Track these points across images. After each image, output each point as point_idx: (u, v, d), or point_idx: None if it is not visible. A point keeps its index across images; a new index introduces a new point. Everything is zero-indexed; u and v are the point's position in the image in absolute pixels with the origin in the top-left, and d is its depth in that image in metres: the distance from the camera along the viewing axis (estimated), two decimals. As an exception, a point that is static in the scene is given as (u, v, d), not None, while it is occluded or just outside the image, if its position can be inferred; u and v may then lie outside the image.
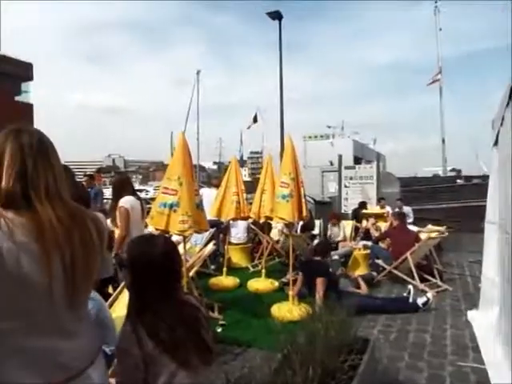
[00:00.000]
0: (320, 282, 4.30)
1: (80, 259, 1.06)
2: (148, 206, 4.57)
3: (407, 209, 9.27)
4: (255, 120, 20.87)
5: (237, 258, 7.04)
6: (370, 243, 6.77)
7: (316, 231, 8.06)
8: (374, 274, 5.86)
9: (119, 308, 3.19)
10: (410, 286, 4.87)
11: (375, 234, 7.24)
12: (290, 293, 4.51)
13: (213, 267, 6.44)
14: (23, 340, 0.99)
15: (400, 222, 6.30)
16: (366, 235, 7.48)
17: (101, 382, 1.14)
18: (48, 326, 1.03)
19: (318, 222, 8.32)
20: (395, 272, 5.70)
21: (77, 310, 1.10)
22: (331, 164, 17.12)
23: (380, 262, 6.00)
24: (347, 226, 7.92)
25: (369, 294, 5.02)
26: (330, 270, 4.91)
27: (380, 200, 9.70)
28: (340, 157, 12.59)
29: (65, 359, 1.05)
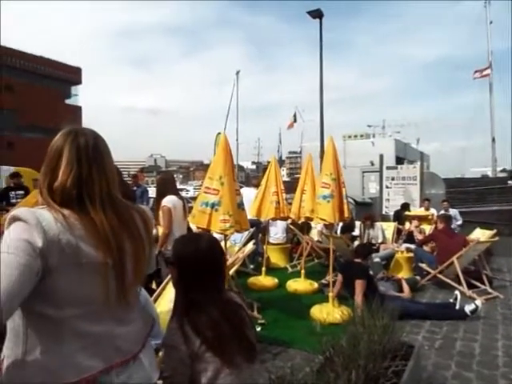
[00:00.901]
0: (360, 285, 4.22)
1: (129, 256, 1.12)
2: (189, 204, 4.69)
3: (454, 211, 8.87)
4: (294, 120, 20.79)
5: (275, 258, 7.05)
6: (413, 246, 6.55)
7: (356, 232, 7.89)
8: (418, 278, 5.66)
9: (163, 303, 3.30)
10: (457, 292, 4.66)
11: (419, 236, 6.99)
12: (330, 294, 4.46)
13: (252, 266, 6.49)
14: (83, 326, 1.05)
15: (446, 224, 6.04)
16: (409, 238, 7.24)
17: (150, 366, 1.20)
18: (104, 313, 1.09)
19: (358, 224, 8.15)
20: (440, 277, 5.47)
21: (129, 299, 1.15)
22: (372, 164, 16.71)
23: (424, 265, 5.79)
24: (389, 227, 7.70)
25: (412, 298, 4.86)
26: (371, 272, 4.80)
27: (424, 201, 9.34)
28: (381, 157, 12.26)
29: (121, 343, 1.12)
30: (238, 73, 19.13)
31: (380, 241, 6.95)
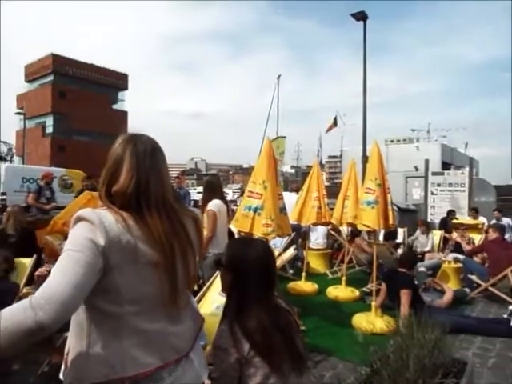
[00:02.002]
0: (405, 295, 4.06)
1: (180, 258, 1.15)
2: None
3: (507, 220, 8.38)
4: (335, 123, 20.46)
5: (315, 263, 6.96)
6: (461, 256, 6.24)
7: (399, 240, 7.65)
8: (467, 290, 5.37)
9: (206, 305, 3.34)
10: (511, 307, 4.38)
11: (467, 247, 6.65)
12: (373, 303, 4.34)
13: (291, 271, 6.45)
14: (140, 322, 1.09)
15: (499, 234, 5.71)
16: (457, 247, 6.90)
17: (199, 365, 1.23)
18: (159, 311, 1.13)
19: (401, 231, 7.89)
20: (492, 290, 5.17)
21: (181, 299, 1.19)
22: (416, 169, 16.12)
23: (474, 277, 5.49)
24: (435, 236, 7.40)
25: (460, 311, 4.63)
26: (416, 282, 4.62)
27: (472, 210, 8.89)
28: (427, 162, 11.82)
29: (175, 342, 1.16)
30: (279, 77, 19.09)
31: (427, 249, 6.68)
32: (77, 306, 1.00)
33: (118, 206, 1.13)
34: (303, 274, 5.80)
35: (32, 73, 46.53)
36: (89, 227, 1.04)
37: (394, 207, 8.40)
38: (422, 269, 5.51)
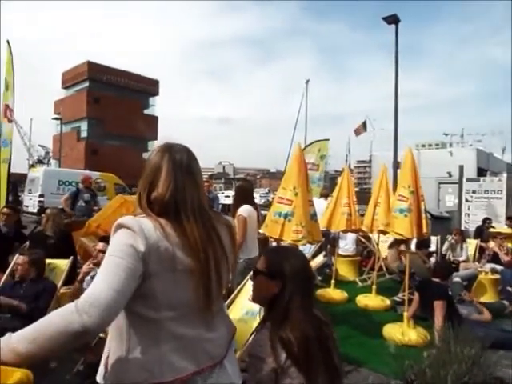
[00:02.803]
0: (439, 306, 3.92)
1: (214, 265, 1.16)
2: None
3: (548, 230, 7.95)
4: (364, 128, 20.17)
5: (344, 270, 6.85)
6: (499, 267, 5.97)
7: (432, 248, 7.40)
8: (506, 303, 5.13)
9: (235, 311, 3.35)
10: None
11: (505, 257, 6.35)
12: (405, 314, 4.21)
13: (320, 278, 6.37)
14: (177, 328, 1.11)
15: (540, 245, 5.43)
16: (494, 257, 6.61)
17: (233, 373, 1.23)
18: (195, 317, 1.15)
19: (434, 239, 7.64)
20: (533, 303, 4.92)
21: (215, 305, 1.20)
22: (450, 175, 15.61)
23: (513, 289, 5.25)
24: (470, 245, 7.13)
25: (498, 325, 4.42)
26: (450, 293, 4.46)
27: (509, 218, 8.51)
28: (461, 167, 11.41)
29: (210, 348, 1.17)
30: (307, 82, 19.06)
31: (462, 259, 6.44)
32: (119, 310, 1.04)
33: (156, 212, 1.15)
34: (332, 281, 5.72)
35: (68, 79, 48.49)
36: (129, 234, 1.07)
37: (427, 215, 8.17)
38: (457, 279, 5.31)
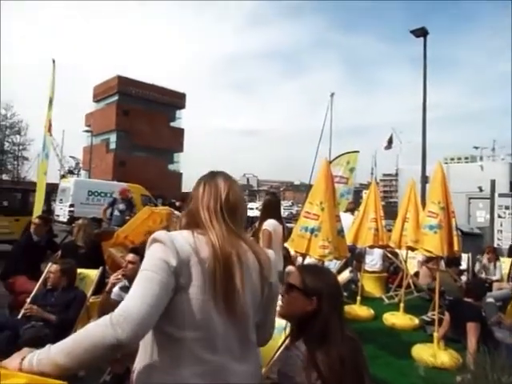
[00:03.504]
0: (472, 328, 3.77)
1: (242, 290, 1.15)
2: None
3: None
4: (391, 141, 19.86)
5: (370, 286, 6.70)
6: (535, 287, 5.70)
7: (463, 266, 7.15)
8: (544, 326, 4.87)
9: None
10: None
11: (541, 277, 6.07)
12: (435, 334, 4.07)
13: (345, 294, 6.25)
14: (200, 351, 1.09)
15: None
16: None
17: None
18: (220, 342, 1.12)
19: (465, 256, 7.38)
20: None
21: (244, 335, 1.18)
22: (480, 190, 15.13)
23: (552, 312, 4.97)
24: (503, 263, 6.84)
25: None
26: (484, 314, 4.28)
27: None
28: (493, 182, 11.03)
29: (235, 381, 1.13)
30: (332, 95, 19.01)
31: (496, 278, 6.18)
32: (152, 324, 1.05)
33: (193, 227, 1.20)
34: (358, 297, 5.60)
35: (99, 93, 50.27)
36: (162, 248, 1.10)
37: (458, 231, 7.92)
38: (491, 300, 5.09)
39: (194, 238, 1.15)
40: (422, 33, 10.46)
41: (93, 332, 1.00)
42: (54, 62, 6.41)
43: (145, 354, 1.13)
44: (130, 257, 3.08)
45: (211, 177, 1.30)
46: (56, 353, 1.00)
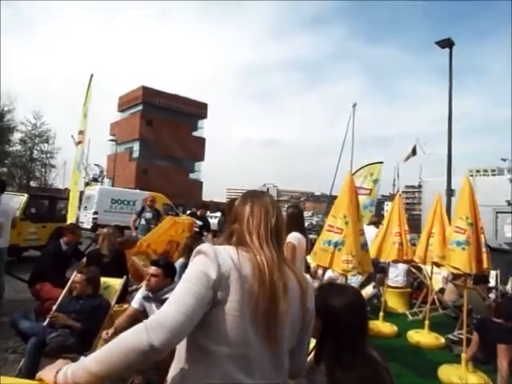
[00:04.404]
0: (503, 350, 3.60)
1: (282, 311, 1.13)
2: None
3: None
4: (414, 152, 19.45)
5: (393, 302, 6.53)
6: None
7: (491, 283, 6.89)
8: None
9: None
10: None
11: None
12: (463, 355, 3.92)
13: (367, 309, 6.12)
14: (233, 370, 1.08)
15: None
16: None
17: None
18: (255, 365, 1.11)
19: (493, 273, 7.12)
20: None
21: (278, 359, 1.16)
22: (509, 204, 14.65)
23: None
24: (534, 281, 6.57)
25: None
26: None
27: None
28: (522, 197, 10.68)
29: None
30: (354, 105, 18.82)
31: (525, 297, 5.93)
32: (186, 333, 1.06)
33: (236, 243, 1.22)
34: (381, 313, 5.47)
35: (124, 103, 51.62)
36: (204, 260, 1.12)
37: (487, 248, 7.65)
38: (522, 320, 4.88)
39: (237, 254, 1.16)
40: (447, 44, 10.30)
41: (127, 338, 1.03)
42: (91, 76, 6.60)
43: (179, 364, 1.14)
44: (153, 270, 3.11)
45: (259, 197, 1.30)
46: (90, 362, 1.02)
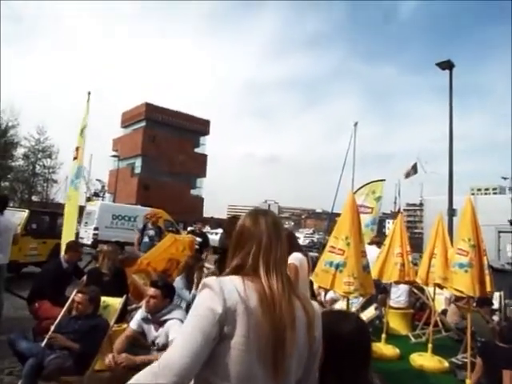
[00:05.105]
0: (508, 376, 3.52)
1: (290, 349, 1.12)
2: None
3: None
4: (415, 170, 19.50)
5: (396, 323, 6.43)
6: None
7: (495, 305, 6.80)
8: None
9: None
10: None
11: None
12: (468, 381, 3.85)
13: (371, 337, 6.03)
14: None
15: None
16: None
17: None
18: None
19: (496, 295, 7.03)
20: None
21: None
22: (511, 223, 14.58)
23: None
24: (538, 304, 6.49)
25: None
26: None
27: None
28: (524, 217, 10.64)
29: None
30: (355, 124, 18.98)
31: (529, 320, 5.84)
32: (193, 373, 1.05)
33: (244, 271, 1.19)
34: (383, 335, 5.38)
35: (127, 119, 52.15)
36: (210, 294, 1.11)
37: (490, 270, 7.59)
38: (527, 344, 4.79)
39: (244, 285, 1.13)
40: (447, 65, 10.44)
41: (141, 379, 1.04)
42: (89, 93, 6.67)
43: None
44: (151, 291, 3.10)
45: (264, 219, 1.27)
46: None
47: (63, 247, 5.70)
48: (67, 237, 6.06)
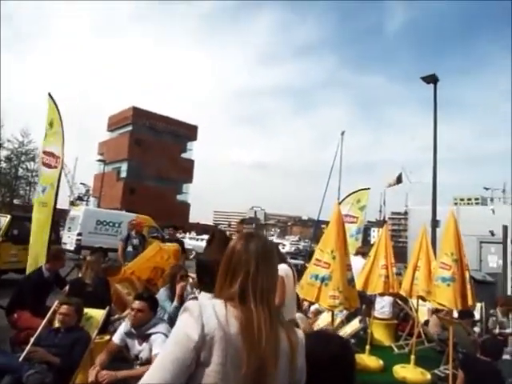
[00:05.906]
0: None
1: (268, 366, 1.10)
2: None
3: None
4: (399, 180, 19.77)
5: (379, 334, 6.47)
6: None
7: (476, 316, 6.90)
8: None
9: None
10: None
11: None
12: (449, 394, 3.89)
13: (353, 341, 6.05)
14: None
15: None
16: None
17: None
18: None
19: (478, 306, 7.13)
20: None
21: None
22: (492, 234, 14.89)
23: None
24: (518, 315, 6.59)
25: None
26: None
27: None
28: (505, 228, 10.84)
29: None
30: (342, 133, 19.22)
31: (510, 331, 5.95)
32: None
33: (229, 297, 1.16)
34: (367, 346, 5.40)
35: (114, 123, 51.65)
36: (188, 320, 1.09)
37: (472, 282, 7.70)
38: (507, 357, 4.86)
39: (226, 310, 1.12)
40: (432, 79, 10.67)
41: None
42: (50, 95, 6.50)
43: None
44: (137, 304, 3.05)
45: (254, 244, 1.24)
46: None
47: (32, 255, 5.49)
48: (38, 246, 5.84)
